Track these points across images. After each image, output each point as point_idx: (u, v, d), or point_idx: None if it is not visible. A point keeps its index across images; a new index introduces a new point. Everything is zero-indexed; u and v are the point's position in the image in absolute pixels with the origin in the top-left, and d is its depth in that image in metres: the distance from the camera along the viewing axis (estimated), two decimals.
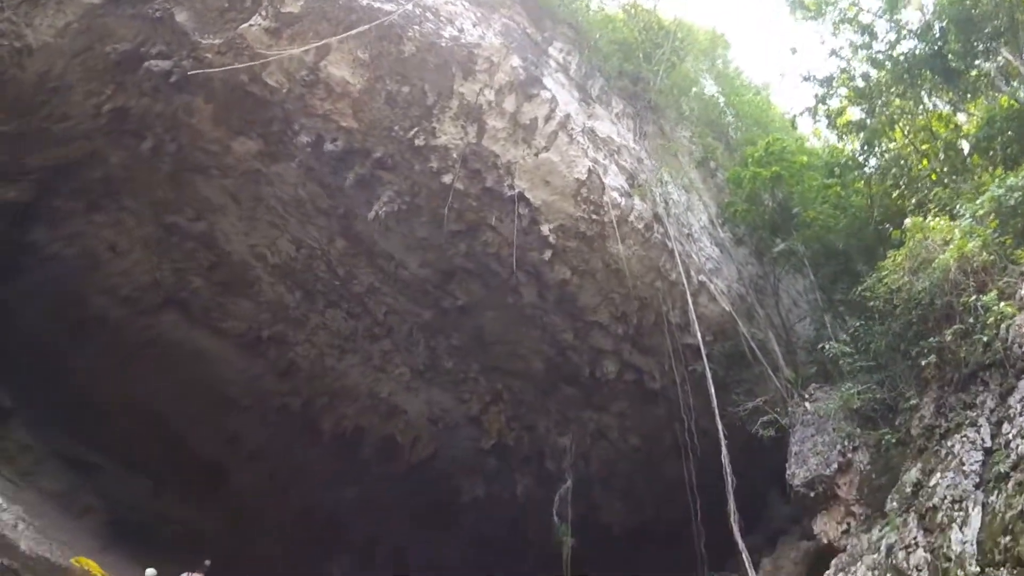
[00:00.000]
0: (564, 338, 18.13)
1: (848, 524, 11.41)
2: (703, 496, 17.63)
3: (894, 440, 11.11)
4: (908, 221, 12.28)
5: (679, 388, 17.53)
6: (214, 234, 18.53)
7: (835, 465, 11.61)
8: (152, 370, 22.70)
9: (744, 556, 12.65)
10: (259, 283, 19.42)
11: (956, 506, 8.49)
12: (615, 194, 16.48)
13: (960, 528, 8.17)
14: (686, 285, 16.69)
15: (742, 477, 16.16)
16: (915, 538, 8.89)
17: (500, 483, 24.62)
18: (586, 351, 18.46)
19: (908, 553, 8.82)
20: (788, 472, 12.07)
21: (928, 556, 8.57)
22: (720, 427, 14.00)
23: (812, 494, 11.68)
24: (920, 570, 8.51)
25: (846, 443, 11.88)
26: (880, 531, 9.72)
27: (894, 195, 17.03)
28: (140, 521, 23.73)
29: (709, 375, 15.01)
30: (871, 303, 12.44)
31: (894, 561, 8.92)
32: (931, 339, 10.65)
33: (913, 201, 15.87)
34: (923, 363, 10.73)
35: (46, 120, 15.42)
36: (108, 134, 16.43)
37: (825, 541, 11.45)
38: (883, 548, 9.27)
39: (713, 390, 14.65)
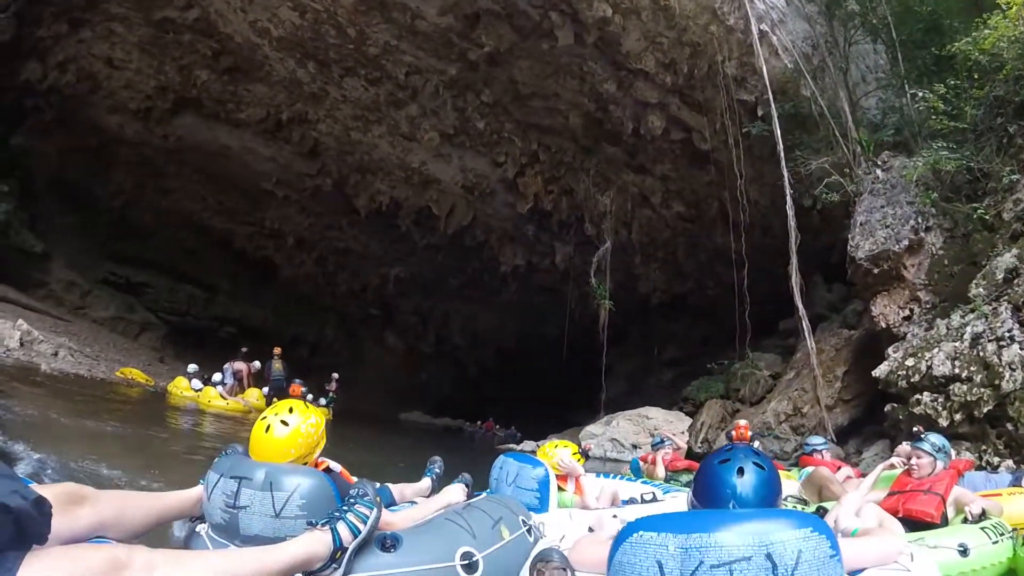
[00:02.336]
0: (605, 89, 16.23)
1: (911, 311, 10.31)
2: (747, 271, 16.83)
3: (986, 217, 9.55)
4: None
5: (732, 150, 15.93)
6: (210, 19, 16.74)
7: (905, 242, 10.22)
8: (183, 179, 22.84)
9: (804, 323, 12.00)
10: (268, 62, 17.82)
11: None
12: None
13: None
14: (747, 32, 14.29)
15: (784, 255, 15.10)
16: (1009, 331, 7.80)
17: (539, 251, 24.33)
18: (629, 104, 16.62)
19: (1000, 347, 7.77)
20: (851, 244, 10.74)
21: None
22: (786, 175, 12.70)
23: (876, 271, 10.43)
24: (1014, 368, 7.54)
25: (919, 220, 10.36)
26: (963, 317, 8.59)
27: None
28: (196, 328, 25.01)
29: (777, 127, 13.08)
30: (969, 63, 10.28)
31: (981, 353, 7.88)
32: None
33: None
34: None
35: None
36: None
37: (883, 325, 10.41)
38: (968, 336, 8.17)
39: (780, 139, 13.01)
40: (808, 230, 17.73)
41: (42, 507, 1.49)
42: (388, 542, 2.37)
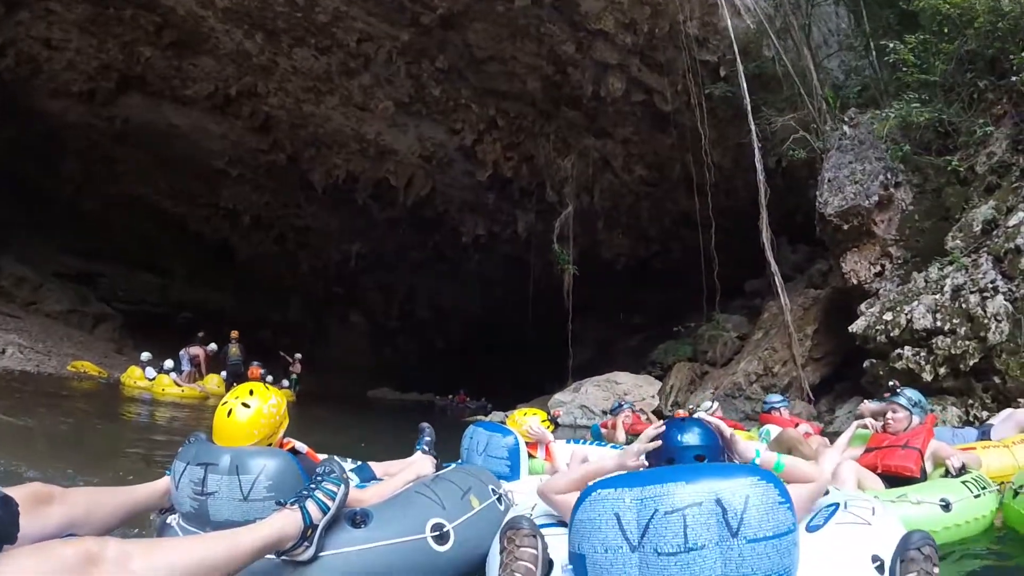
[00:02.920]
0: (564, 51, 15.80)
1: (882, 266, 10.25)
2: (712, 234, 16.74)
3: (960, 170, 9.46)
4: None
5: (694, 112, 15.74)
6: None
7: (875, 198, 10.09)
8: (132, 163, 21.83)
9: (776, 278, 11.86)
10: (213, 35, 16.90)
11: None
12: None
13: None
14: None
15: (748, 217, 15.04)
16: (992, 282, 7.69)
17: (501, 220, 24.04)
18: (589, 66, 16.23)
19: (984, 298, 7.66)
20: (819, 201, 10.59)
21: (1009, 306, 7.49)
22: (753, 127, 12.64)
23: (845, 227, 10.31)
24: (1000, 319, 7.45)
25: (888, 176, 10.25)
26: (941, 270, 8.48)
27: None
28: (154, 316, 24.09)
29: (743, 80, 12.89)
30: (939, 16, 10.05)
31: (964, 305, 7.75)
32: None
33: None
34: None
35: None
36: None
37: (854, 282, 10.34)
38: (948, 289, 8.04)
39: (746, 91, 12.82)
40: (772, 192, 17.71)
41: (9, 507, 1.50)
42: (358, 518, 2.42)
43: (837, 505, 2.38)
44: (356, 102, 18.88)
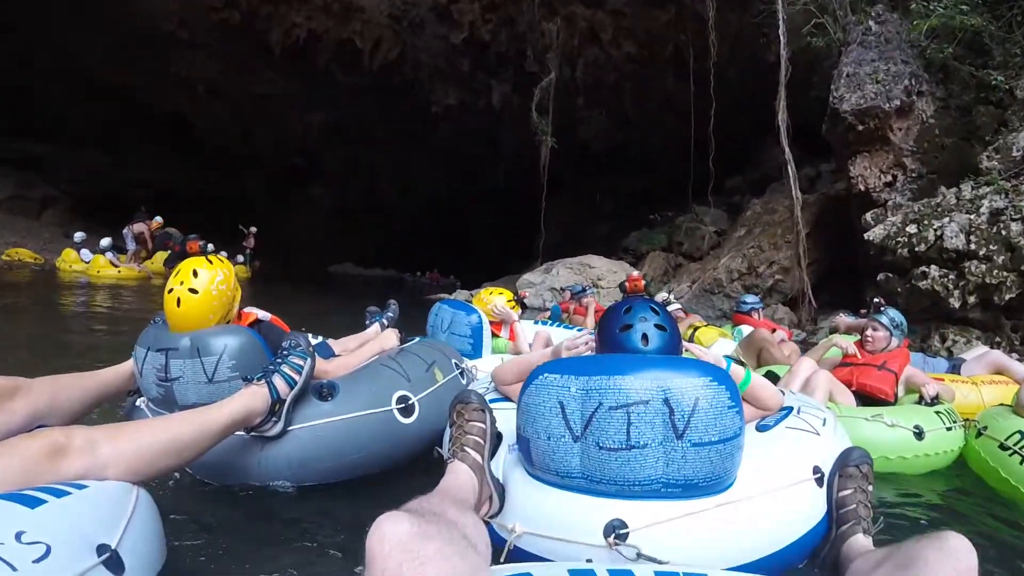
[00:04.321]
0: None
1: (894, 176, 9.53)
2: (696, 124, 15.82)
3: (1003, 88, 8.59)
4: None
5: None
6: None
7: (897, 102, 9.19)
8: (74, 30, 19.14)
9: (790, 167, 11.05)
10: None
11: None
12: None
13: None
14: None
15: (735, 111, 14.18)
16: None
17: (474, 90, 22.45)
18: None
19: None
20: (833, 95, 9.64)
21: None
22: None
23: (860, 127, 9.46)
24: None
25: (912, 82, 9.38)
26: (975, 190, 7.77)
27: None
28: (106, 194, 22.14)
29: None
30: None
31: (1004, 231, 6.99)
32: None
33: None
34: None
35: None
36: None
37: (861, 188, 9.66)
38: (985, 212, 7.28)
39: None
40: (765, 91, 16.76)
41: None
42: (325, 391, 2.43)
43: (790, 409, 2.34)
44: None
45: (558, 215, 24.45)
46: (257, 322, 2.74)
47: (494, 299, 4.84)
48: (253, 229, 18.25)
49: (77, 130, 22.12)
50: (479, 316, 4.34)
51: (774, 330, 6.44)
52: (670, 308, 6.83)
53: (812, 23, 10.77)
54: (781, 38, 10.94)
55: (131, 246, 13.01)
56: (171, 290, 2.47)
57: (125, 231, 13.24)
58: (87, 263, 11.81)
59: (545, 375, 1.86)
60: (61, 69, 20.63)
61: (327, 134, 26.31)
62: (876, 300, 6.95)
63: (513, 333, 4.70)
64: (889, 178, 9.48)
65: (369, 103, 23.78)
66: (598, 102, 21.66)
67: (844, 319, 6.91)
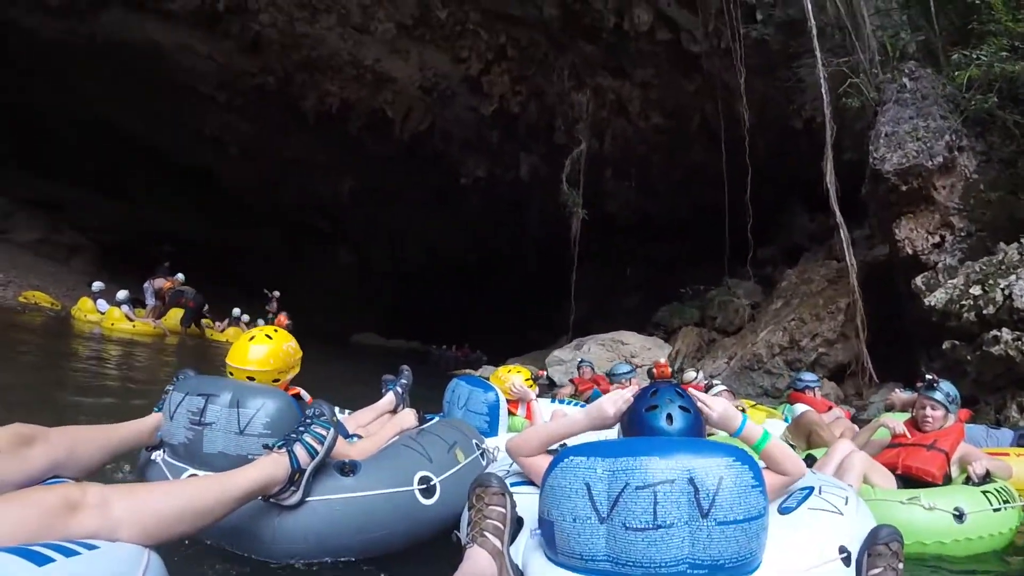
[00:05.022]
0: None
1: (942, 237, 9.03)
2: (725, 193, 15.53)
3: None
4: None
5: (722, 56, 14.38)
6: None
7: (939, 159, 8.80)
8: (113, 84, 19.95)
9: (842, 231, 10.41)
10: None
11: None
12: None
13: None
14: None
15: (763, 179, 13.92)
16: None
17: (503, 161, 22.53)
18: None
19: None
20: (873, 156, 9.25)
21: None
22: (818, 53, 10.91)
23: (904, 187, 9.01)
24: None
25: (953, 137, 8.98)
26: None
27: None
28: (130, 245, 22.47)
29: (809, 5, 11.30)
30: None
31: None
32: None
33: None
34: None
35: None
36: None
37: (909, 251, 9.11)
38: None
39: (812, 19, 11.15)
40: (793, 157, 16.52)
41: None
42: (347, 467, 2.41)
43: (811, 489, 2.29)
44: (354, 23, 17.24)
45: (584, 287, 24.04)
46: (298, 397, 2.83)
47: (511, 377, 4.81)
48: (276, 293, 18.06)
49: (107, 179, 22.59)
50: (496, 394, 4.24)
51: (830, 408, 6.01)
52: (715, 389, 6.42)
53: (847, 83, 10.44)
54: (824, 96, 10.56)
55: (151, 301, 12.76)
56: (252, 337, 2.71)
57: (146, 285, 13.05)
58: (102, 314, 11.54)
59: (571, 458, 1.88)
60: (98, 120, 21.24)
61: (355, 198, 26.54)
62: (929, 376, 6.28)
63: (530, 412, 4.69)
64: (937, 239, 8.91)
65: (398, 171, 24.03)
66: (626, 173, 21.57)
67: (899, 395, 6.27)
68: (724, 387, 6.93)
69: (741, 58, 13.02)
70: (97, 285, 12.21)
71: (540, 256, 22.14)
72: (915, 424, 3.83)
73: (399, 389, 3.89)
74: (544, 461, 2.17)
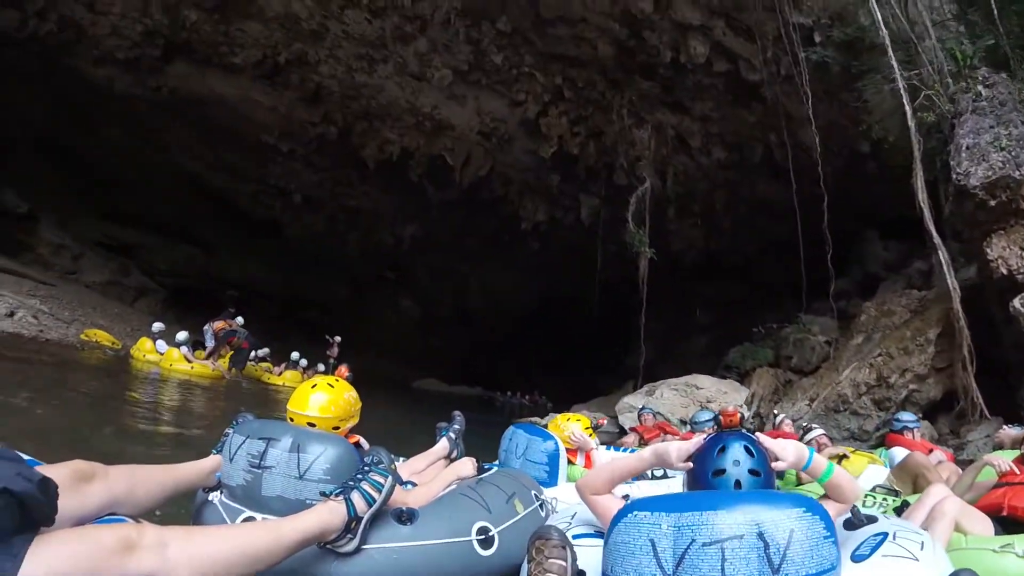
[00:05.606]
0: (640, 9, 14.05)
1: None
2: (792, 225, 14.80)
3: None
4: None
5: (782, 83, 13.96)
6: None
7: None
8: (179, 135, 21.07)
9: (942, 253, 9.47)
10: None
11: None
12: None
13: None
14: None
15: (834, 211, 13.21)
16: None
17: (563, 205, 22.44)
18: (668, 29, 14.48)
19: None
20: (956, 171, 8.53)
21: None
22: (895, 64, 10.17)
23: (992, 202, 8.27)
24: None
25: None
26: None
27: None
28: (196, 290, 23.29)
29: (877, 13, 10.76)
30: None
31: None
32: None
33: None
34: None
35: None
36: None
37: (1003, 271, 8.27)
38: None
39: (884, 29, 10.52)
40: (862, 181, 15.66)
41: (47, 488, 1.47)
42: (404, 515, 2.38)
43: (885, 535, 2.13)
44: (411, 71, 17.61)
45: (650, 330, 23.32)
46: (358, 445, 2.89)
47: (570, 425, 4.70)
48: (337, 338, 18.19)
49: (174, 224, 23.36)
50: (555, 443, 4.18)
51: (931, 450, 5.45)
52: (812, 435, 5.91)
53: (921, 96, 9.77)
54: (907, 106, 9.81)
55: (210, 343, 12.90)
56: (315, 385, 2.77)
57: (206, 327, 13.23)
58: (161, 354, 11.72)
59: (635, 513, 1.86)
60: (165, 167, 22.18)
61: (417, 245, 26.85)
62: None
63: (589, 460, 4.60)
64: None
65: (459, 217, 24.22)
66: (690, 211, 21.02)
67: (1008, 431, 5.60)
68: (821, 431, 6.30)
69: (805, 81, 12.41)
70: (157, 326, 12.44)
71: (604, 300, 21.64)
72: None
73: (452, 435, 3.86)
74: (612, 502, 2.25)
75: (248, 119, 20.00)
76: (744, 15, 13.92)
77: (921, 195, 9.61)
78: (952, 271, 9.33)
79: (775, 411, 9.83)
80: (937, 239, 9.30)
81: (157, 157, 21.88)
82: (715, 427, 6.39)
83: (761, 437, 2.18)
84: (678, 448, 2.20)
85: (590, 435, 4.74)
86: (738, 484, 1.94)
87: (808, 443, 5.61)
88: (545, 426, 4.97)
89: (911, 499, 3.83)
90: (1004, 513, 3.25)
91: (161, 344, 11.86)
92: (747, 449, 2.01)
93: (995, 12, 9.88)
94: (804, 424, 7.32)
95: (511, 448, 4.30)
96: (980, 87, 9.11)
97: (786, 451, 2.18)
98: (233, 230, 25.04)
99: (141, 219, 22.26)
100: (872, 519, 2.25)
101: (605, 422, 13.58)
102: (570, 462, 4.40)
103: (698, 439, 2.21)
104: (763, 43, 14.10)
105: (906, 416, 6.02)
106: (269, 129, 20.36)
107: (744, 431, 2.13)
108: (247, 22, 16.66)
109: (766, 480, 1.99)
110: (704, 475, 2.01)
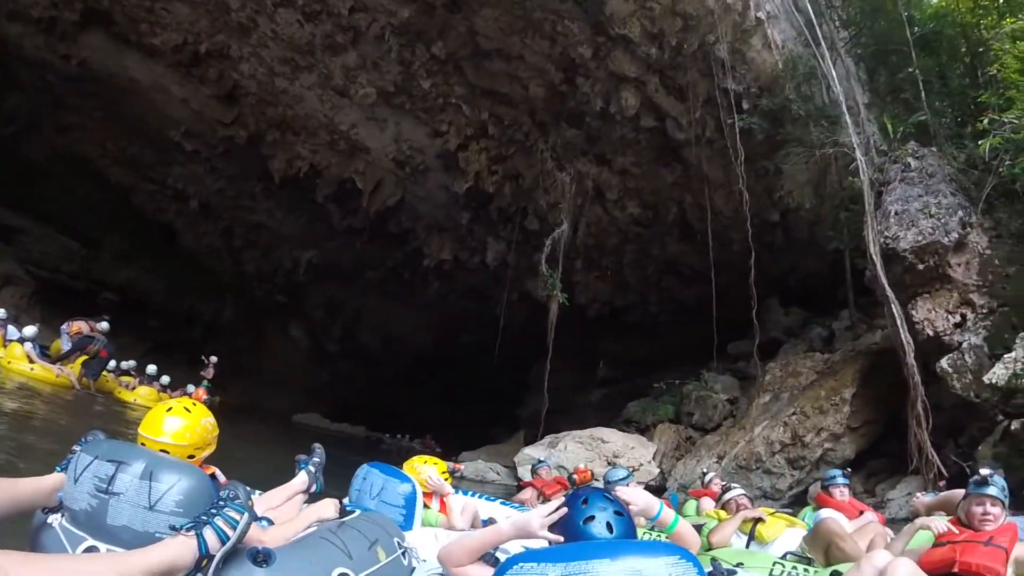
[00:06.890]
0: (579, 54, 14.16)
1: (963, 316, 8.68)
2: (698, 288, 15.18)
3: None
4: None
5: (704, 147, 14.44)
6: None
7: (955, 235, 8.63)
8: (81, 115, 19.36)
9: (894, 307, 9.26)
10: None
11: None
12: None
13: None
14: (745, 15, 13.15)
15: (739, 275, 13.67)
16: None
17: (470, 245, 22.04)
18: (602, 78, 14.69)
19: None
20: (886, 236, 8.93)
21: None
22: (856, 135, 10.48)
23: (920, 266, 8.68)
24: None
25: (963, 213, 8.76)
26: None
27: None
28: (70, 288, 20.70)
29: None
30: None
31: None
32: None
33: None
34: None
35: None
36: None
37: (929, 333, 8.62)
38: None
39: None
40: (767, 252, 16.35)
41: None
42: (260, 556, 2.24)
43: None
44: (335, 84, 16.84)
45: (550, 379, 23.13)
46: (214, 476, 2.68)
47: (427, 468, 4.55)
48: (213, 359, 16.59)
49: (60, 213, 20.87)
50: (412, 486, 4.06)
51: (861, 512, 5.25)
52: (731, 494, 5.74)
53: (850, 165, 10.22)
54: (860, 161, 10.05)
55: (66, 346, 11.13)
56: (170, 408, 2.55)
57: (63, 327, 11.45)
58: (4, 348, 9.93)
59: (520, 565, 1.87)
60: (64, 150, 20.23)
61: (315, 272, 25.54)
62: (987, 472, 5.44)
63: (444, 506, 4.50)
64: (958, 318, 8.44)
65: (362, 247, 23.28)
66: (597, 265, 21.19)
67: (923, 499, 5.48)
68: (741, 490, 6.00)
69: (738, 144, 12.83)
70: (0, 312, 10.64)
71: (503, 346, 21.21)
72: (961, 523, 3.50)
73: (312, 468, 3.66)
74: (477, 570, 2.29)
75: (156, 109, 18.61)
76: (679, 74, 14.35)
77: (873, 247, 9.62)
78: (904, 324, 9.27)
79: (703, 469, 9.54)
80: (891, 294, 9.32)
81: (55, 137, 19.88)
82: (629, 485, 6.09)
83: (618, 489, 2.39)
84: (539, 515, 2.20)
85: (446, 479, 4.65)
86: (609, 526, 1.99)
87: (727, 503, 5.58)
88: (401, 467, 4.76)
89: (843, 568, 3.82)
90: (956, 569, 3.26)
91: (12, 330, 10.07)
92: (605, 497, 2.10)
93: (922, 93, 10.67)
94: (723, 484, 7.05)
95: (364, 488, 4.09)
96: (910, 159, 9.62)
97: (637, 498, 2.43)
98: (121, 229, 22.70)
99: (24, 201, 19.65)
100: (732, 572, 2.42)
101: (462, 467, 13.31)
102: (425, 506, 4.31)
103: (553, 503, 2.24)
104: (693, 104, 14.55)
105: (833, 472, 5.74)
106: (176, 124, 18.96)
107: (601, 491, 2.20)
108: (174, 1, 15.37)
109: (630, 520, 2.07)
110: (575, 525, 2.05)
